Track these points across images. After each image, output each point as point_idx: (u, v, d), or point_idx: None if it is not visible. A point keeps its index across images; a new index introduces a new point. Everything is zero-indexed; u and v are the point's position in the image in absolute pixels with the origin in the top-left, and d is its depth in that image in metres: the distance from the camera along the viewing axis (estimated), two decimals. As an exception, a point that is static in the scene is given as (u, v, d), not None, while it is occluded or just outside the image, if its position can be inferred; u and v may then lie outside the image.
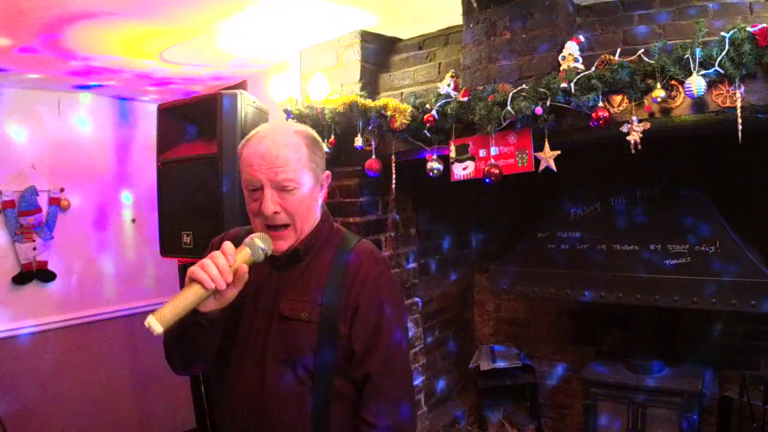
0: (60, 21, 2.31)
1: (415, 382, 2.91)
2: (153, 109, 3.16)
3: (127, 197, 3.92)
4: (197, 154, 2.60)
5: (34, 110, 3.46)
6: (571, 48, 1.96)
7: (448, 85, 2.25)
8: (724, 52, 1.65)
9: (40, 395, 3.41)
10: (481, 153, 2.15)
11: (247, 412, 1.32)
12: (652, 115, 1.81)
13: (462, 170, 2.21)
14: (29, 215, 3.38)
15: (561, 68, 1.96)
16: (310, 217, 1.37)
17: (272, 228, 1.31)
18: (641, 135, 1.79)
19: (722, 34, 1.67)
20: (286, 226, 1.31)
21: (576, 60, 1.94)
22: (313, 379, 1.29)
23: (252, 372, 1.32)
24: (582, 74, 1.87)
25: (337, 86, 2.65)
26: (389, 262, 1.39)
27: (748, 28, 1.63)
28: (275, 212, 1.28)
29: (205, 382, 2.79)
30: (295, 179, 1.29)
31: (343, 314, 1.31)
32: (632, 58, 1.83)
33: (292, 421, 1.29)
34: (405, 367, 1.42)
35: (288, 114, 2.61)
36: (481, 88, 2.15)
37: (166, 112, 2.76)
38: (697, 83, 1.66)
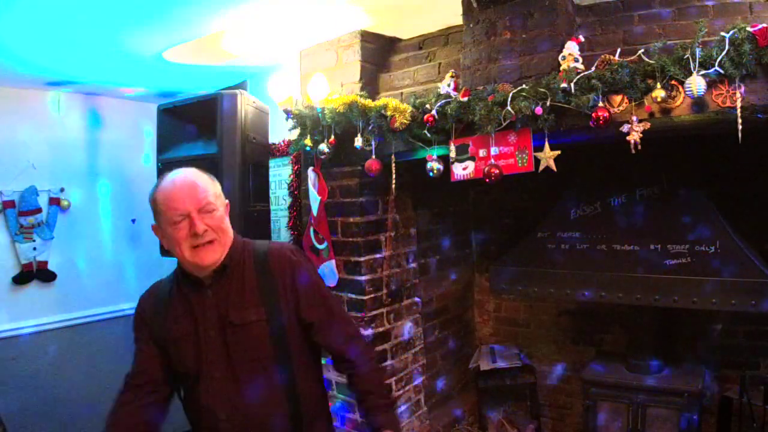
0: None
1: (415, 382, 2.91)
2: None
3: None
4: (197, 154, 2.60)
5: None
6: (571, 48, 1.95)
7: (448, 85, 2.25)
8: (724, 52, 1.65)
9: (40, 395, 3.41)
10: (481, 153, 2.15)
11: (231, 414, 1.52)
12: (652, 115, 1.80)
13: (462, 170, 2.21)
14: (29, 215, 3.39)
15: (561, 68, 1.96)
16: (228, 234, 1.60)
17: (201, 246, 1.52)
18: (641, 135, 1.79)
19: (722, 34, 1.67)
20: (211, 242, 1.53)
21: (576, 60, 1.93)
22: (279, 366, 1.56)
23: (224, 380, 1.53)
24: (582, 74, 1.87)
25: (337, 86, 2.65)
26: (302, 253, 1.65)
27: (748, 28, 1.63)
28: (204, 230, 1.51)
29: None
30: (213, 202, 1.55)
31: (285, 302, 1.59)
32: (632, 58, 1.83)
33: (272, 405, 1.55)
34: (346, 312, 1.86)
35: (288, 114, 2.61)
36: (481, 88, 2.15)
37: (166, 112, 2.76)
38: (697, 83, 1.65)
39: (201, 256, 1.52)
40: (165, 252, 2.73)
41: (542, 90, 1.93)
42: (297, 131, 2.66)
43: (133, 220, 3.95)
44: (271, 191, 3.21)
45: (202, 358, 1.54)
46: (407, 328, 2.88)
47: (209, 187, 1.57)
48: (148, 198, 1.58)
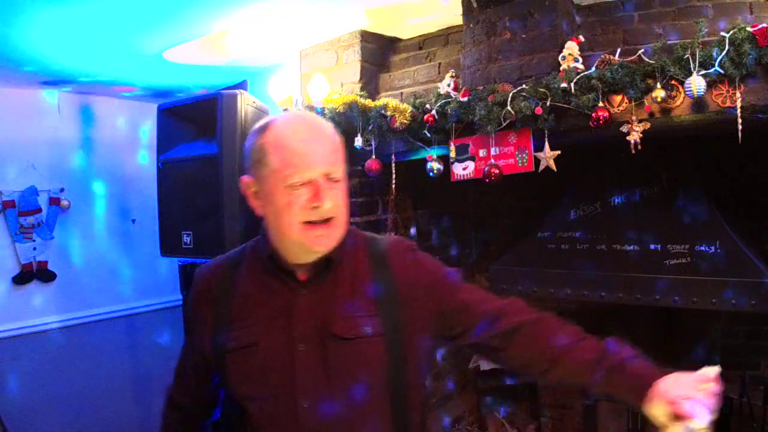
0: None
1: (415, 382, 2.90)
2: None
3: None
4: (197, 154, 2.60)
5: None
6: (571, 48, 1.95)
7: (448, 85, 2.25)
8: (724, 52, 1.64)
9: (40, 395, 3.41)
10: (481, 153, 2.15)
11: None
12: (652, 115, 1.80)
13: (462, 170, 2.21)
14: (29, 215, 3.38)
15: (561, 68, 1.96)
16: (348, 216, 1.21)
17: (317, 223, 1.13)
18: (641, 135, 1.79)
19: (722, 34, 1.66)
20: (329, 220, 1.14)
21: (576, 60, 1.93)
22: (391, 397, 1.18)
23: (314, 409, 1.14)
24: (582, 74, 1.87)
25: (337, 86, 2.65)
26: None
27: (748, 28, 1.63)
28: (332, 205, 1.13)
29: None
30: (341, 171, 1.17)
31: (406, 313, 1.20)
32: (632, 58, 1.83)
33: None
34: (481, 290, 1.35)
35: (288, 114, 2.62)
36: (481, 88, 2.15)
37: (166, 112, 2.76)
38: (697, 83, 1.65)
39: (315, 238, 1.13)
40: (165, 252, 2.74)
41: (542, 90, 1.93)
42: (297, 131, 2.66)
43: (133, 221, 3.94)
44: (271, 191, 3.20)
45: (282, 381, 1.15)
46: (407, 328, 2.87)
47: (338, 151, 1.17)
48: (247, 143, 1.19)
